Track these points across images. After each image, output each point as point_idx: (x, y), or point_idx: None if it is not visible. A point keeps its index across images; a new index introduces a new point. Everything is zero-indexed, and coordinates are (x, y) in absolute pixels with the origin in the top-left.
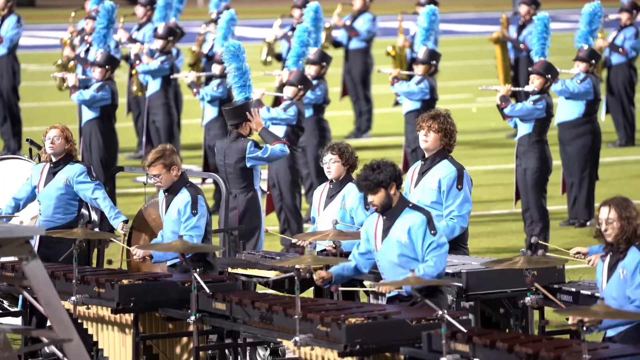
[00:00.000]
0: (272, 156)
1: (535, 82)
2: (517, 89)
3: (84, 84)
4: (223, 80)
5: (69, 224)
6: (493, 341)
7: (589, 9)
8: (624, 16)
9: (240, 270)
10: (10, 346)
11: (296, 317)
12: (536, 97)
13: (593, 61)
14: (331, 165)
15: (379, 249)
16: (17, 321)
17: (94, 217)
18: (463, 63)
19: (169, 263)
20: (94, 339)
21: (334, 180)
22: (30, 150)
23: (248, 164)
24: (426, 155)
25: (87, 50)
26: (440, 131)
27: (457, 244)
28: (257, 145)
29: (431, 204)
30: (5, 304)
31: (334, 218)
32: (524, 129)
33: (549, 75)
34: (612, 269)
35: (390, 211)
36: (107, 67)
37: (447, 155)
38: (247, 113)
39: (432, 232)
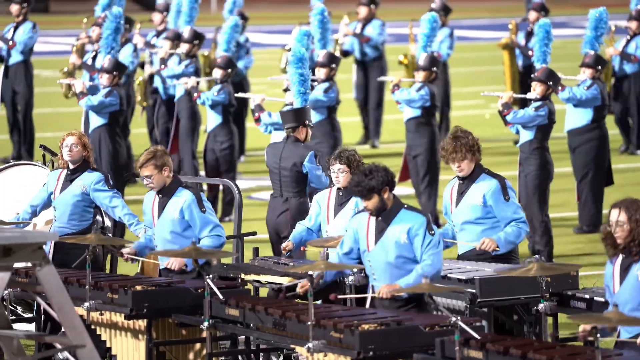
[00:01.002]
0: (319, 180)
1: (537, 90)
2: (519, 95)
3: (93, 92)
4: (224, 85)
5: (83, 231)
6: (506, 348)
7: (594, 15)
8: (634, 24)
9: (253, 276)
10: (24, 352)
11: (309, 323)
12: (538, 103)
13: (599, 67)
14: (339, 174)
15: (371, 250)
16: (31, 327)
17: (107, 223)
18: (476, 69)
19: (162, 266)
20: (107, 345)
21: (342, 188)
22: (44, 156)
23: (304, 170)
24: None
25: (94, 57)
26: (468, 153)
27: (510, 254)
28: (317, 157)
29: (475, 220)
30: (19, 309)
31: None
32: (526, 135)
33: (551, 82)
34: (625, 270)
35: (385, 213)
36: (114, 73)
37: (484, 169)
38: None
39: (431, 232)
